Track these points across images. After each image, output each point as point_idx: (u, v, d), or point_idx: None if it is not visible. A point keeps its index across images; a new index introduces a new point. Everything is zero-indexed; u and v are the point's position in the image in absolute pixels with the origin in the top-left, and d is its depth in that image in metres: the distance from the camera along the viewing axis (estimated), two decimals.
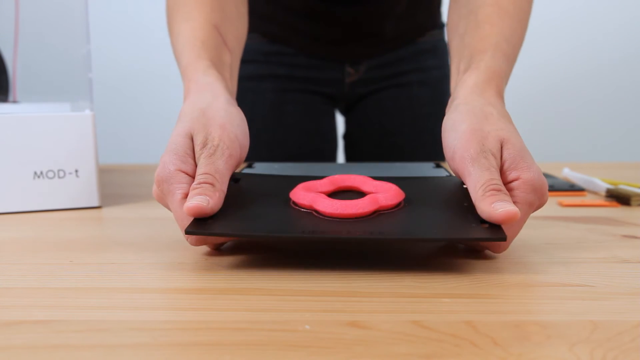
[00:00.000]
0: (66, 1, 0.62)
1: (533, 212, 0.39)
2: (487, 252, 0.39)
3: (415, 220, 0.37)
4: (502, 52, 0.47)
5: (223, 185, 0.38)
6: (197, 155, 0.39)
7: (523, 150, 0.38)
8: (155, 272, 0.36)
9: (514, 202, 0.36)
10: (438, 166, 0.57)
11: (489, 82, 0.44)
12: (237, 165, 0.42)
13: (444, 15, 0.91)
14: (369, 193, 0.40)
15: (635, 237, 0.44)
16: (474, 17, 0.50)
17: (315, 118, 0.89)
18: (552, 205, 0.57)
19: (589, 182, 0.65)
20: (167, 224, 0.49)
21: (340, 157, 1.00)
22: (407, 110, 0.88)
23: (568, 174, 0.72)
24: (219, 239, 0.39)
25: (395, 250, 0.41)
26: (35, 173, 0.54)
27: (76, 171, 0.56)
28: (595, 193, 0.63)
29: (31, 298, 0.31)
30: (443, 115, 0.45)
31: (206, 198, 0.35)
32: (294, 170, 0.54)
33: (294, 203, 0.40)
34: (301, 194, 0.39)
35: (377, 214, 0.38)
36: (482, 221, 0.35)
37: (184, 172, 0.38)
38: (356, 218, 0.37)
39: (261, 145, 0.83)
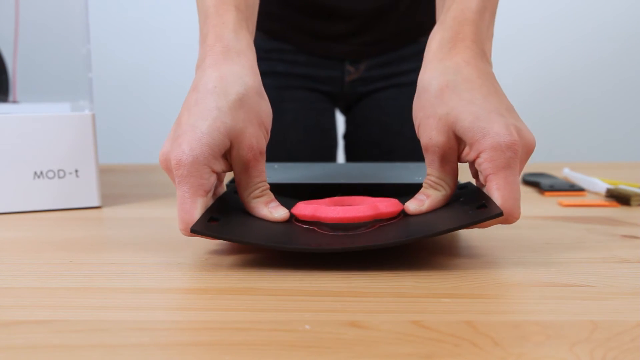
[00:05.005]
0: (66, 1, 0.62)
1: (522, 161, 0.37)
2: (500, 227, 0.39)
3: (416, 223, 0.38)
4: None
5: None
6: (244, 162, 0.39)
7: (475, 121, 0.36)
8: (155, 272, 0.36)
9: (486, 175, 0.36)
10: None
11: (455, 38, 0.41)
12: None
13: None
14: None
15: (635, 237, 0.44)
16: None
17: (315, 115, 0.89)
18: (552, 205, 0.57)
19: (589, 182, 0.65)
20: (167, 223, 0.49)
21: (341, 156, 1.00)
22: (408, 110, 0.88)
23: (568, 174, 0.72)
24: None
25: (395, 250, 0.41)
26: (35, 173, 0.54)
27: (76, 171, 0.56)
28: (595, 193, 0.63)
29: (31, 298, 0.31)
30: None
31: (277, 204, 0.40)
32: (293, 170, 0.54)
33: (296, 219, 0.40)
34: (302, 207, 0.40)
35: (378, 226, 0.39)
36: (479, 206, 0.37)
37: (212, 169, 0.37)
38: (358, 227, 0.38)
39: None
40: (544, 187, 0.64)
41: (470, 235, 0.45)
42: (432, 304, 0.30)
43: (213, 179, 0.38)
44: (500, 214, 0.35)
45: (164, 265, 0.37)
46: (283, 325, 0.27)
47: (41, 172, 0.55)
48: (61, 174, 0.55)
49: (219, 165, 0.38)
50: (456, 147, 0.39)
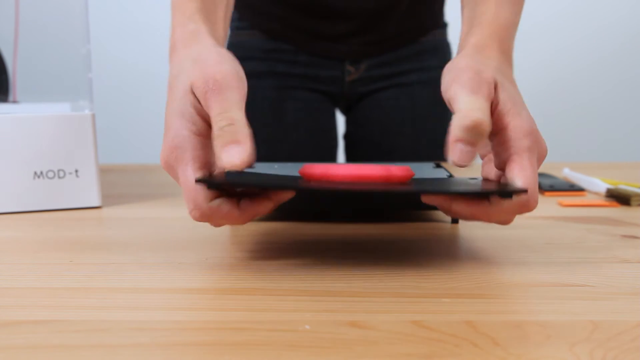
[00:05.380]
0: (66, 1, 0.62)
1: (538, 160, 0.36)
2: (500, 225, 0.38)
3: (431, 185, 0.37)
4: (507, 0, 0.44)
5: (245, 122, 0.34)
6: (204, 103, 0.35)
7: (515, 96, 0.37)
8: (155, 272, 0.36)
9: (511, 153, 0.35)
10: (438, 166, 0.57)
11: (491, 38, 0.42)
12: (244, 99, 0.37)
13: (447, 15, 0.91)
14: None
15: (635, 237, 0.44)
16: None
17: (315, 115, 0.89)
18: (552, 205, 0.57)
19: (589, 182, 0.65)
20: (167, 223, 0.49)
21: (341, 156, 1.00)
22: (408, 111, 0.88)
23: (568, 174, 0.72)
24: (227, 215, 0.35)
25: (395, 250, 0.41)
26: (35, 173, 0.54)
27: (76, 171, 0.56)
28: (595, 193, 0.63)
29: (31, 298, 0.31)
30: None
31: (240, 147, 0.32)
32: (293, 170, 0.54)
33: (304, 180, 0.39)
34: (312, 166, 0.38)
35: (390, 186, 0.37)
36: (499, 186, 0.36)
37: (197, 134, 0.35)
38: (368, 184, 0.36)
39: (261, 142, 0.83)
40: (544, 187, 0.64)
41: (471, 236, 0.45)
42: (432, 304, 0.30)
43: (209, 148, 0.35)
44: (525, 190, 0.33)
45: (164, 265, 0.37)
46: (283, 325, 0.27)
47: (41, 172, 0.55)
48: (61, 174, 0.55)
49: (199, 127, 0.35)
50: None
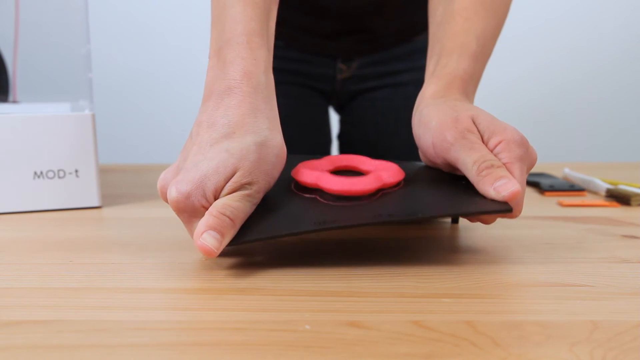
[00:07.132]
0: (66, 1, 0.62)
1: (528, 167, 0.38)
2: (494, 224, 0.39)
3: (420, 199, 0.38)
4: (469, 53, 0.47)
5: (238, 227, 0.36)
6: (227, 189, 0.36)
7: (495, 119, 0.40)
8: (155, 272, 0.36)
9: (505, 163, 0.37)
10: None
11: (449, 87, 0.45)
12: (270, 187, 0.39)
13: None
14: (369, 172, 0.41)
15: (635, 237, 0.44)
16: (451, 5, 0.50)
17: (307, 111, 0.88)
18: (552, 205, 0.57)
19: (589, 182, 0.65)
20: (167, 224, 0.49)
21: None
22: (402, 111, 0.88)
23: (568, 174, 0.72)
24: None
25: (395, 249, 0.41)
26: (35, 173, 0.54)
27: (76, 171, 0.56)
28: (595, 193, 0.63)
29: (31, 298, 0.31)
30: None
31: (220, 239, 0.34)
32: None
33: (297, 185, 0.40)
34: (305, 172, 0.39)
35: (381, 194, 0.39)
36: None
37: (206, 208, 0.36)
38: (361, 198, 0.38)
39: None
40: (544, 187, 0.64)
41: (471, 235, 0.45)
42: (432, 304, 0.30)
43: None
44: (510, 210, 0.35)
45: (164, 265, 0.37)
46: (283, 325, 0.27)
47: (41, 172, 0.55)
48: (61, 174, 0.55)
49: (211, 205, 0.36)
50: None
